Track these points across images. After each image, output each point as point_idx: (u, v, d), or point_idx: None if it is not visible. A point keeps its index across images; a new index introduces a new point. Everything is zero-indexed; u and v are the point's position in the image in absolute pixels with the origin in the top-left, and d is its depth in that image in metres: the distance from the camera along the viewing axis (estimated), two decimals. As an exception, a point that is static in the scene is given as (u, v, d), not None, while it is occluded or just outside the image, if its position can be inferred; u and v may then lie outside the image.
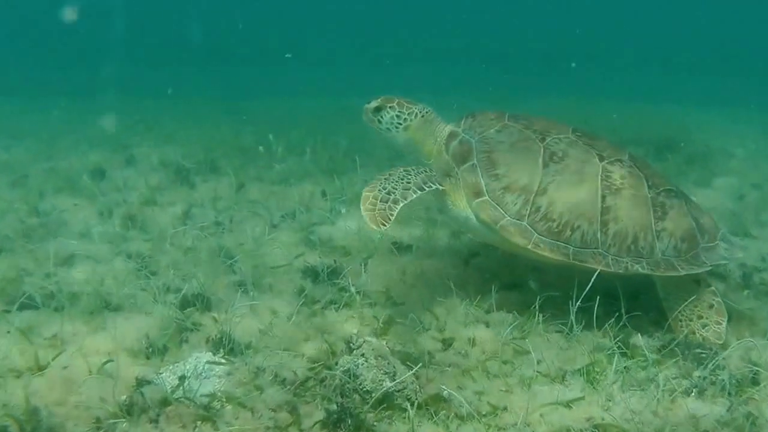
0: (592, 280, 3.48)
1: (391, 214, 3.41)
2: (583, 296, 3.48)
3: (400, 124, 4.02)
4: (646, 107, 15.04)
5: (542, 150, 3.68)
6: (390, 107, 4.03)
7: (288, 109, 14.86)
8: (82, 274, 4.20)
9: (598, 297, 3.48)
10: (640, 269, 3.59)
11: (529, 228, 3.60)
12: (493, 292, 3.88)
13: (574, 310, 3.50)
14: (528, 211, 3.59)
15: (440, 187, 3.72)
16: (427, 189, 3.63)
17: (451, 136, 3.94)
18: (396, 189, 3.53)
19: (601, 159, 3.72)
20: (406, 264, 4.46)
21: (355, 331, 3.62)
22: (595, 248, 3.59)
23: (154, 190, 6.33)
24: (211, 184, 6.62)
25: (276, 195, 6.27)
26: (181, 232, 5.07)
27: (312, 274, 4.32)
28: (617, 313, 3.60)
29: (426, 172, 3.72)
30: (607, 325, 3.55)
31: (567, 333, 3.56)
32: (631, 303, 3.73)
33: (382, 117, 4.04)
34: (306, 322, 3.70)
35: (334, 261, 4.41)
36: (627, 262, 3.60)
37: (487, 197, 3.65)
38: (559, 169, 3.65)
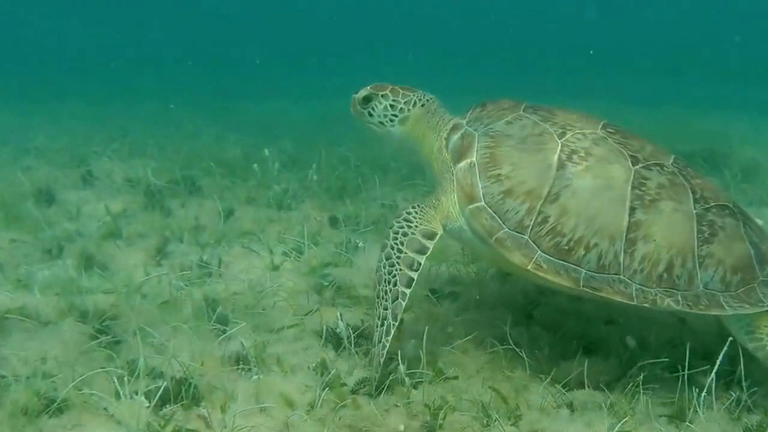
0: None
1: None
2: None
3: (395, 116, 3.69)
4: (676, 113, 14.47)
5: (559, 147, 3.29)
6: (382, 96, 3.69)
7: (276, 113, 14.21)
8: (12, 351, 3.32)
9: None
10: (672, 304, 3.15)
11: (531, 243, 3.20)
12: (572, 359, 3.41)
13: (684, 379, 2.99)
14: (532, 222, 3.20)
15: (436, 232, 3.40)
16: (425, 248, 3.34)
17: (454, 129, 3.59)
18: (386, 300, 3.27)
19: (635, 162, 3.30)
20: (451, 319, 3.82)
21: (402, 429, 2.94)
22: (615, 273, 3.17)
23: (119, 218, 5.42)
24: (191, 209, 5.75)
25: (274, 223, 5.45)
26: (154, 279, 4.17)
27: (333, 338, 3.56)
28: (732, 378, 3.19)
29: (410, 218, 3.41)
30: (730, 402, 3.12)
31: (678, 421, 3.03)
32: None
33: (373, 108, 3.71)
34: (333, 416, 2.96)
35: (362, 321, 3.52)
36: (656, 294, 3.16)
37: (482, 202, 3.27)
38: (577, 171, 3.23)
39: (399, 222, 3.40)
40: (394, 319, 3.22)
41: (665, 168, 3.34)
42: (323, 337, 3.58)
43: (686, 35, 34.81)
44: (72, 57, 26.21)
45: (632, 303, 3.14)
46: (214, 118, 11.51)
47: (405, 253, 3.31)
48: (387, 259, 3.31)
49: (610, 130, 3.44)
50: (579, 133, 3.36)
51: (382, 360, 3.16)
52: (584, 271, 3.16)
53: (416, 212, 3.43)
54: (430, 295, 4.03)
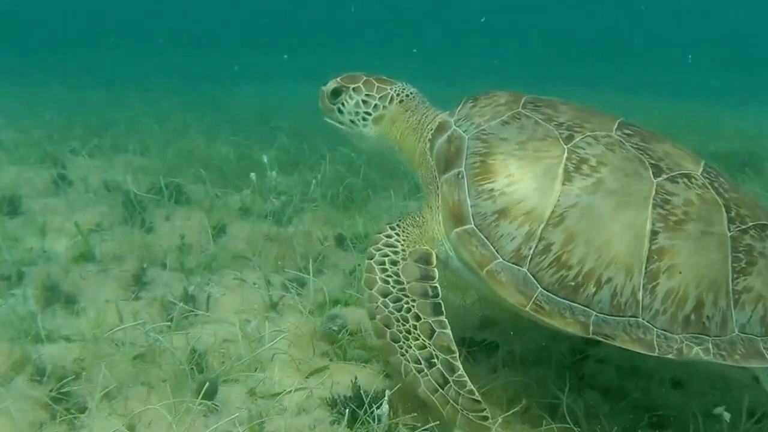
0: None
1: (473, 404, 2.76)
2: None
3: (369, 114, 3.34)
4: (700, 106, 13.85)
5: (565, 155, 2.80)
6: (354, 89, 3.35)
7: (269, 98, 13.52)
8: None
9: None
10: (702, 354, 2.65)
11: (531, 278, 2.72)
12: None
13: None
14: (532, 251, 2.71)
15: (430, 252, 3.01)
16: (430, 274, 2.95)
17: (440, 129, 3.14)
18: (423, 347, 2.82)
19: (658, 173, 2.81)
20: (492, 381, 3.17)
21: None
22: (632, 316, 2.67)
23: (92, 234, 4.76)
24: (176, 223, 5.10)
25: (272, 243, 4.77)
26: (127, 323, 3.55)
27: (347, 410, 2.92)
28: None
29: (393, 242, 3.02)
30: None
31: None
32: None
33: (343, 105, 3.36)
34: None
35: (385, 392, 2.92)
36: (681, 342, 2.66)
37: (472, 224, 2.81)
38: (587, 185, 2.74)
39: (380, 249, 2.98)
40: (447, 352, 2.79)
41: (694, 180, 2.84)
42: (334, 406, 2.95)
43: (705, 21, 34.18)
44: (50, 37, 25.44)
45: (653, 354, 2.64)
46: (204, 107, 10.86)
47: (408, 282, 2.89)
48: (385, 296, 2.86)
49: (628, 132, 2.95)
50: (590, 136, 2.87)
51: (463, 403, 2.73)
52: (595, 313, 2.67)
53: (397, 234, 3.02)
54: (460, 347, 3.38)
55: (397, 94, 3.35)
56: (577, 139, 2.84)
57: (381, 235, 3.03)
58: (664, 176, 2.79)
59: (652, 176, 2.77)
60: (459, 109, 3.20)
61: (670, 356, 2.63)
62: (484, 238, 2.77)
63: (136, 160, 6.94)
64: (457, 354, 2.78)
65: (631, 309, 2.65)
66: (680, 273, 2.64)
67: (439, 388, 2.73)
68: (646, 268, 2.64)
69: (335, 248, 4.80)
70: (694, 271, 2.65)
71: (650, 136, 3.01)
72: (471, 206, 2.81)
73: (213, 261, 4.46)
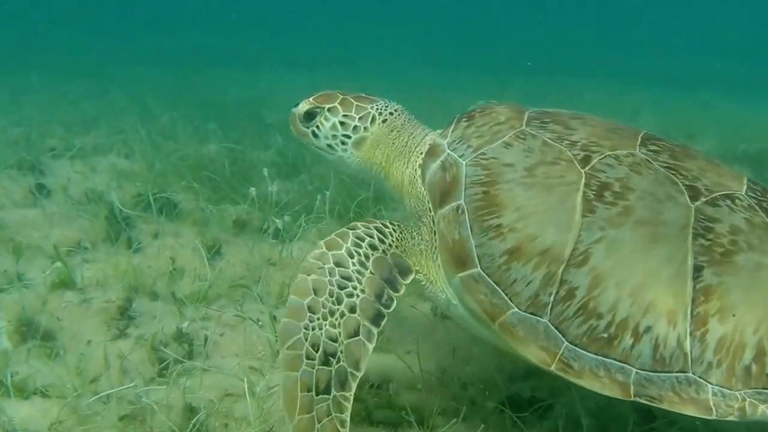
0: None
1: (343, 422, 2.32)
2: None
3: (347, 137, 3.03)
4: (716, 99, 13.50)
5: (583, 180, 2.45)
6: (329, 110, 3.04)
7: (255, 89, 13.01)
8: None
9: None
10: None
11: (554, 330, 2.35)
12: None
13: None
14: (552, 298, 2.35)
15: (411, 269, 2.62)
16: (386, 312, 2.48)
17: (432, 153, 2.80)
18: (335, 337, 2.39)
19: (695, 196, 2.44)
20: None
21: None
22: (680, 371, 2.27)
23: (72, 254, 4.28)
24: (165, 242, 4.62)
25: (275, 269, 4.35)
26: (112, 372, 3.10)
27: None
28: None
29: (385, 231, 2.68)
30: None
31: None
32: None
33: (318, 128, 3.06)
34: None
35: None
36: (744, 400, 2.24)
37: (478, 268, 2.46)
38: (613, 216, 2.37)
39: (368, 229, 2.64)
40: (353, 366, 2.38)
41: (738, 201, 2.46)
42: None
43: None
44: (28, 25, 24.77)
45: (710, 417, 2.24)
46: (188, 98, 10.34)
47: (371, 273, 2.53)
48: (338, 266, 2.51)
49: (654, 148, 2.59)
50: (610, 156, 2.51)
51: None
52: (635, 370, 2.29)
53: (393, 233, 2.69)
54: (505, 408, 2.94)
55: (379, 113, 3.03)
56: (596, 161, 2.49)
57: (379, 222, 2.70)
58: (703, 199, 2.42)
59: (688, 200, 2.41)
60: (452, 128, 2.83)
61: (731, 418, 2.24)
62: (494, 284, 2.42)
63: (120, 164, 6.45)
64: (359, 377, 2.37)
65: (679, 363, 2.26)
66: (734, 315, 2.26)
67: (313, 392, 2.30)
68: (691, 312, 2.27)
69: (344, 274, 4.34)
70: (751, 312, 2.26)
71: (681, 151, 2.64)
72: (476, 246, 2.46)
73: (209, 289, 3.99)
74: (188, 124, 8.12)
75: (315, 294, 2.43)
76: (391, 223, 2.73)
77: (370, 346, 2.41)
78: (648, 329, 2.27)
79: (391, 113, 3.06)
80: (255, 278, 4.17)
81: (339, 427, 2.30)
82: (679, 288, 2.27)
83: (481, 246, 2.45)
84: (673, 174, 2.48)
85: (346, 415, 2.32)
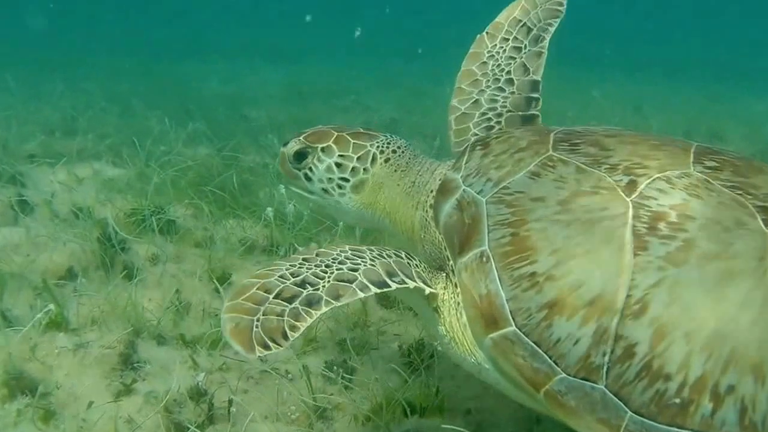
0: None
1: (294, 327, 1.95)
2: None
3: (345, 180, 2.74)
4: (720, 91, 13.19)
5: (630, 211, 2.06)
6: (323, 149, 2.74)
7: (236, 83, 12.51)
8: None
9: None
10: None
11: (612, 398, 1.97)
12: None
13: None
14: (608, 358, 1.97)
15: (426, 289, 2.27)
16: (395, 285, 2.17)
17: (445, 191, 2.49)
18: (321, 276, 2.12)
19: None
20: None
21: None
22: None
23: (61, 285, 3.81)
24: (166, 267, 4.13)
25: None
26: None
27: None
28: None
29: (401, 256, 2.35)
30: None
31: None
32: None
33: (310, 170, 2.76)
34: None
35: None
36: None
37: (512, 327, 2.10)
38: (672, 252, 1.98)
39: (388, 249, 2.35)
40: (333, 297, 2.07)
41: None
42: None
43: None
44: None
45: None
46: (168, 95, 9.79)
47: (387, 257, 2.28)
48: (321, 256, 2.24)
49: (712, 164, 2.18)
50: (660, 178, 2.12)
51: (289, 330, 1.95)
52: None
53: (414, 262, 2.37)
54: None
55: (381, 151, 2.74)
56: (643, 186, 2.10)
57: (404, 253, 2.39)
58: None
59: (762, 225, 2.00)
60: (465, 158, 2.51)
61: None
62: (534, 345, 2.06)
63: (107, 172, 5.94)
64: (335, 305, 2.05)
65: None
66: None
67: (271, 295, 2.04)
68: None
69: (377, 306, 3.90)
70: None
71: (744, 164, 2.22)
72: (507, 301, 2.11)
73: (216, 326, 3.53)
74: (173, 124, 7.60)
75: (318, 256, 2.23)
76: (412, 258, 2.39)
77: (360, 294, 2.09)
78: (731, 390, 1.88)
79: (393, 151, 2.75)
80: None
81: (287, 328, 1.94)
82: (763, 335, 1.88)
83: (514, 300, 2.09)
84: (739, 194, 2.07)
85: (302, 325, 1.97)
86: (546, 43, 3.10)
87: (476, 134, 2.89)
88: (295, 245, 4.35)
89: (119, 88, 9.93)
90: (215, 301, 3.86)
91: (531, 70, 3.06)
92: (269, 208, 4.20)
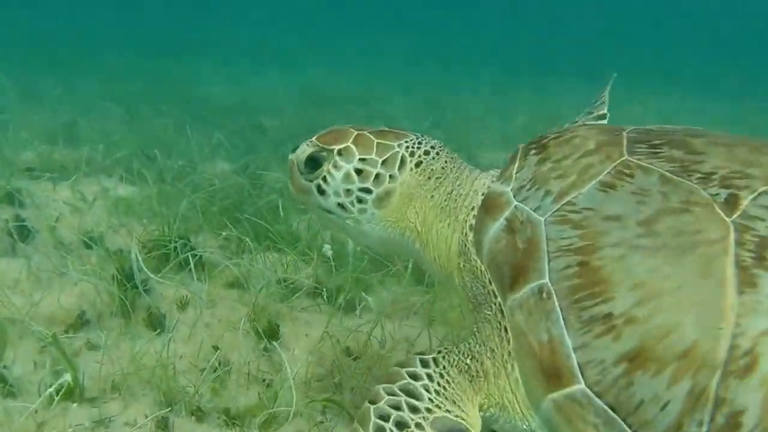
0: None
1: None
2: None
3: (368, 191, 2.23)
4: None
5: (732, 235, 1.64)
6: (341, 152, 2.23)
7: (240, 86, 11.88)
8: None
9: None
10: None
11: None
12: None
13: None
14: (706, 428, 1.56)
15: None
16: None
17: (490, 208, 2.04)
18: None
19: None
20: None
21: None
22: None
23: (71, 337, 3.14)
24: (200, 316, 3.43)
25: (359, 364, 3.29)
26: None
27: None
28: None
29: (418, 390, 1.94)
30: None
31: None
32: None
33: (325, 180, 2.24)
34: None
35: None
36: None
37: (582, 385, 1.69)
38: None
39: (393, 395, 1.92)
40: None
41: None
42: None
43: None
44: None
45: None
46: (170, 97, 9.14)
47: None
48: None
49: None
50: (765, 191, 1.71)
51: None
52: None
53: (430, 378, 1.97)
54: None
55: (411, 153, 2.26)
56: (747, 202, 1.70)
57: (404, 371, 1.98)
58: None
59: None
60: (516, 166, 2.10)
61: None
62: (609, 410, 1.68)
63: (116, 189, 5.22)
64: None
65: None
66: None
67: None
68: None
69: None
70: None
71: None
72: (575, 349, 1.73)
73: (275, 402, 2.85)
74: (186, 133, 6.92)
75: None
76: (426, 364, 1.99)
77: None
78: None
79: (426, 152, 2.27)
80: (336, 381, 3.03)
81: None
82: None
83: (583, 349, 1.71)
84: None
85: None
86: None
87: None
88: (366, 297, 3.67)
89: (118, 89, 9.23)
90: (263, 361, 3.19)
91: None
92: (327, 246, 3.48)
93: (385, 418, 1.87)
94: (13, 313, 3.30)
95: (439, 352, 2.04)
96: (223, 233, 4.16)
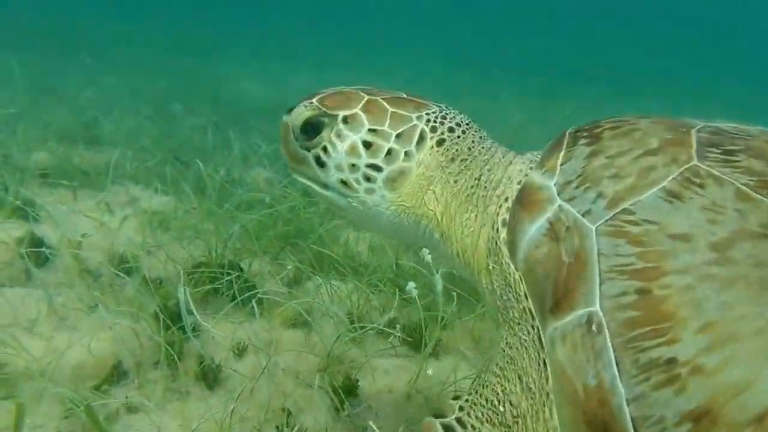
0: None
1: None
2: None
3: (377, 168, 1.93)
4: None
5: None
6: (347, 120, 1.93)
7: (268, 87, 11.25)
8: None
9: None
10: None
11: None
12: None
13: None
14: None
15: None
16: None
17: (526, 203, 1.71)
18: None
19: None
20: None
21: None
22: None
23: (107, 398, 2.58)
24: (261, 366, 2.74)
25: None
26: None
27: None
28: None
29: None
30: None
31: None
32: None
33: (325, 151, 1.94)
34: None
35: None
36: None
37: None
38: None
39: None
40: None
41: None
42: None
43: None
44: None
45: None
46: (198, 94, 8.48)
47: None
48: None
49: None
50: None
51: None
52: None
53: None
54: None
55: (432, 128, 1.94)
56: None
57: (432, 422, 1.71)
58: None
59: None
60: (561, 155, 1.73)
61: None
62: None
63: (150, 201, 4.51)
64: None
65: None
66: None
67: None
68: None
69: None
70: None
71: None
72: (629, 401, 1.35)
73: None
74: (218, 136, 6.22)
75: None
76: (456, 413, 1.72)
77: None
78: None
79: (451, 129, 1.97)
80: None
81: None
82: None
83: (639, 401, 1.35)
84: None
85: None
86: None
87: None
88: (432, 334, 2.97)
89: (144, 86, 8.52)
90: (341, 427, 2.50)
91: None
92: (412, 284, 2.75)
93: None
94: (29, 365, 2.60)
95: (461, 408, 1.72)
96: (286, 263, 3.43)
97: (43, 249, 3.40)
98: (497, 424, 1.69)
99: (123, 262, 3.42)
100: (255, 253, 3.56)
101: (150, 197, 4.61)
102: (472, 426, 1.71)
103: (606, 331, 1.43)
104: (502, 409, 1.70)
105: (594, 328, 1.45)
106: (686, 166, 1.56)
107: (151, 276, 3.33)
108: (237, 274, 3.27)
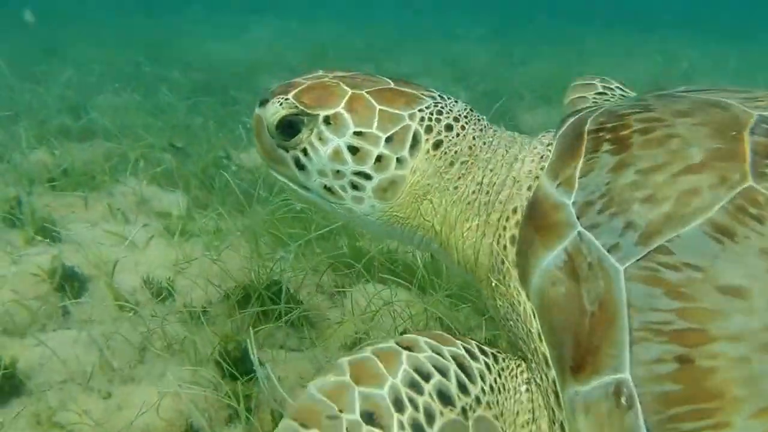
0: None
1: None
2: None
3: (366, 176, 1.73)
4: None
5: None
6: (328, 121, 1.72)
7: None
8: None
9: None
10: None
11: None
12: None
13: None
14: None
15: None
16: None
17: (539, 225, 1.49)
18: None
19: None
20: None
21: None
22: None
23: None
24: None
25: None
26: None
27: None
28: None
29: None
30: None
31: None
32: None
33: (305, 153, 1.75)
34: None
35: None
36: None
37: None
38: None
39: (441, 356, 1.44)
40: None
41: None
42: None
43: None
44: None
45: None
46: (175, 55, 8.09)
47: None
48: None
49: None
50: None
51: None
52: None
53: (492, 369, 1.49)
54: None
55: (427, 129, 1.72)
56: None
57: (458, 341, 1.53)
58: None
59: None
60: (580, 164, 1.47)
61: None
62: None
63: (160, 200, 4.27)
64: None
65: None
66: None
67: None
68: None
69: None
70: None
71: None
72: None
73: None
74: (200, 112, 5.92)
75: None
76: (485, 354, 1.52)
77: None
78: None
79: (448, 126, 1.74)
80: None
81: None
82: None
83: None
84: None
85: None
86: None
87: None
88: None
89: (117, 59, 8.04)
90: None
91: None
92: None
93: (423, 374, 1.39)
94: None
95: (500, 356, 1.57)
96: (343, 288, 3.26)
97: (76, 282, 3.17)
98: (519, 391, 1.54)
99: (156, 284, 3.22)
100: (302, 269, 3.37)
101: (159, 197, 4.34)
102: (502, 369, 1.56)
103: (638, 405, 1.21)
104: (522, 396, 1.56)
105: (623, 401, 1.23)
106: (739, 189, 1.28)
107: (189, 301, 3.13)
108: (289, 302, 3.09)
